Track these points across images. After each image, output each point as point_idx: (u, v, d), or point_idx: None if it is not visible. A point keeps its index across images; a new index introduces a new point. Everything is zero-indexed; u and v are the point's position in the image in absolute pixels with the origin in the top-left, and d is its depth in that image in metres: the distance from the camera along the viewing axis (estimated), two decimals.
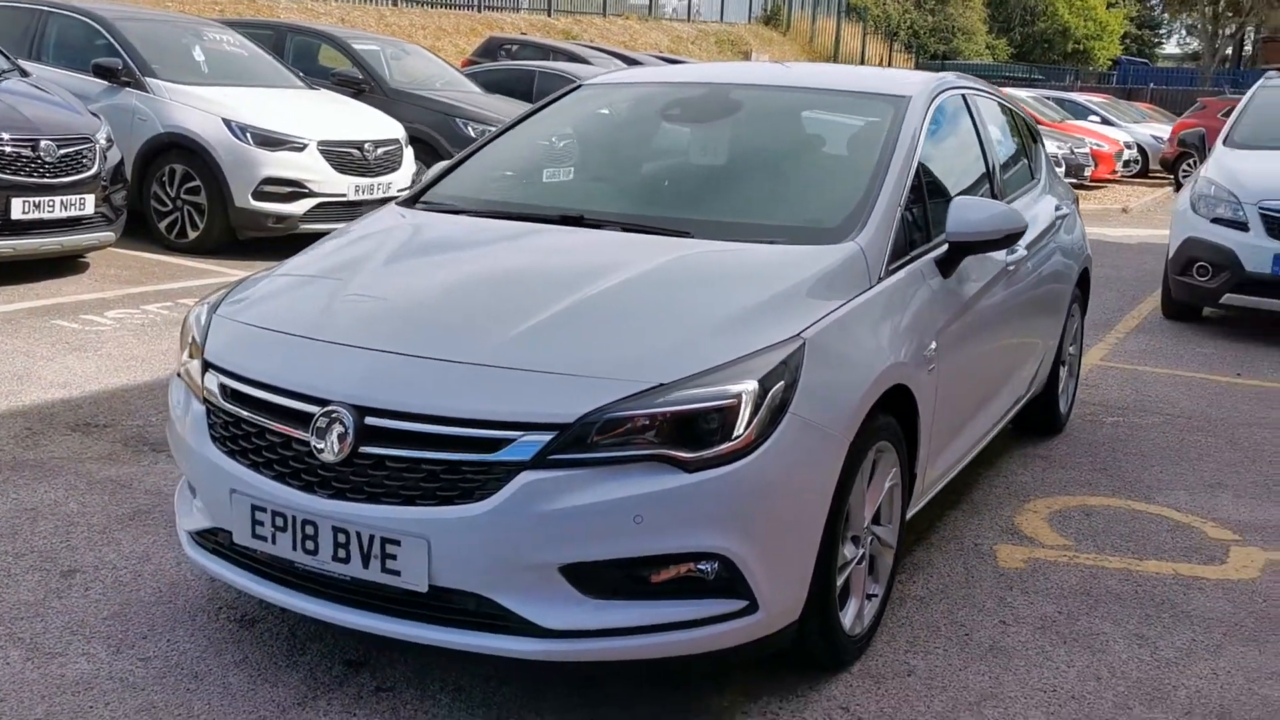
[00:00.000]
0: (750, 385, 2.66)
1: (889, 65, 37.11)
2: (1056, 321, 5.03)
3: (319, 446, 2.69)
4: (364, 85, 10.92)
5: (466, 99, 11.27)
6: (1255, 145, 8.59)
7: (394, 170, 9.36)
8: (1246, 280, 7.69)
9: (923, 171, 3.72)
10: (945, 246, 3.60)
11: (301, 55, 11.65)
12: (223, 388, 2.93)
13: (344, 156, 8.92)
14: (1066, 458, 5.12)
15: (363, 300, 3.10)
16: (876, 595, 3.27)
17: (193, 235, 8.72)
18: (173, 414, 3.17)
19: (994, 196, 4.30)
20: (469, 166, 4.12)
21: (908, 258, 3.45)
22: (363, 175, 9.04)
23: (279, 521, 2.76)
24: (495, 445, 2.58)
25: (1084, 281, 5.54)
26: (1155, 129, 24.59)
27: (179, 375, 3.22)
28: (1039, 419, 5.25)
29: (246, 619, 3.25)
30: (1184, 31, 69.07)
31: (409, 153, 9.65)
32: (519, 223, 3.58)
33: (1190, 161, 21.54)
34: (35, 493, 4.07)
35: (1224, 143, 8.73)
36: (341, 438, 2.67)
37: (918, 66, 38.69)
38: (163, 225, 8.81)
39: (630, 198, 3.84)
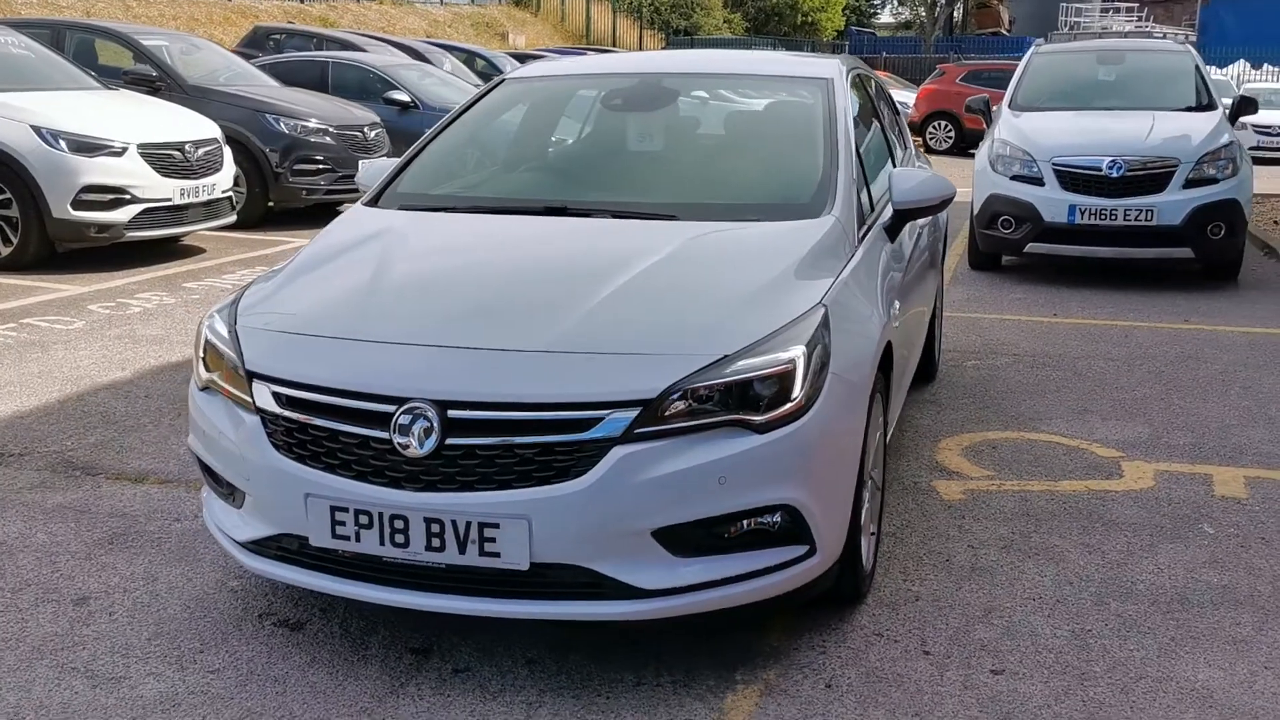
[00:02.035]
0: (800, 350, 2.94)
1: (640, 43, 37.88)
2: (937, 275, 5.53)
3: (403, 443, 2.79)
4: (159, 83, 10.49)
5: (272, 94, 11.01)
6: (1037, 107, 9.48)
7: (216, 171, 9.08)
8: (1046, 230, 8.52)
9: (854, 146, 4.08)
10: (891, 214, 3.97)
11: (80, 54, 11.04)
12: (277, 396, 2.97)
13: (166, 159, 8.60)
14: (950, 400, 5.64)
15: (403, 300, 3.19)
16: (874, 533, 3.61)
17: (5, 251, 8.23)
18: (208, 431, 3.16)
19: (893, 165, 4.72)
20: (421, 165, 4.20)
21: (866, 226, 3.80)
22: (186, 178, 8.74)
23: (363, 519, 2.84)
24: (585, 425, 2.76)
25: (945, 237, 6.09)
26: (899, 95, 26.21)
27: (203, 390, 3.22)
28: (921, 366, 5.74)
29: (292, 623, 3.29)
30: (896, 2, 73.22)
31: (228, 152, 9.38)
32: (512, 216, 3.72)
33: (936, 124, 23.24)
34: None
35: (1009, 106, 9.58)
36: (427, 432, 2.78)
37: (668, 43, 39.66)
38: None
39: (604, 187, 4.03)
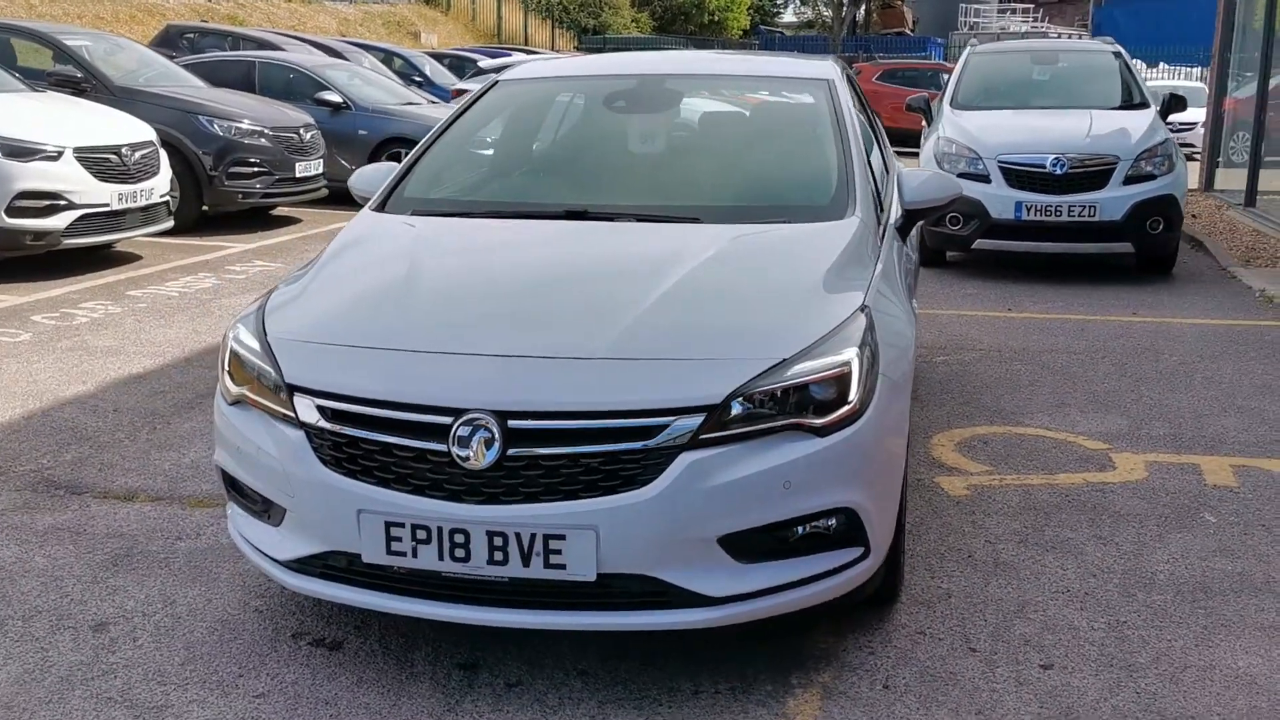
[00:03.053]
0: (854, 352, 2.93)
1: (552, 43, 37.74)
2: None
3: (462, 455, 2.73)
4: (84, 84, 10.13)
5: (203, 94, 10.71)
6: (978, 106, 9.66)
7: (154, 175, 8.80)
8: (994, 226, 8.68)
9: None
10: (901, 214, 4.00)
11: None
12: (323, 409, 2.87)
13: (103, 163, 8.30)
14: (929, 396, 5.71)
15: (447, 309, 3.12)
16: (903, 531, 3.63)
17: None
18: (242, 446, 3.04)
19: (885, 165, 4.76)
20: (425, 170, 4.11)
21: (882, 227, 3.82)
22: (124, 182, 8.45)
23: (420, 535, 2.77)
24: (650, 432, 2.72)
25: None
26: None
27: (233, 405, 3.11)
28: None
29: (328, 642, 3.20)
30: (799, 1, 73.90)
31: (164, 155, 9.09)
32: (537, 220, 3.66)
33: None
34: None
35: (950, 105, 9.74)
36: (488, 444, 2.72)
37: (579, 44, 39.56)
38: None
39: (621, 189, 3.97)
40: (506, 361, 2.85)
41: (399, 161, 10.29)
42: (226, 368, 3.18)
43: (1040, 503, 4.28)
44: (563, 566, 2.73)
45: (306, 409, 2.89)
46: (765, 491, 2.77)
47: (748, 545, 2.81)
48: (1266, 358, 6.48)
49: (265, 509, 3.06)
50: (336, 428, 2.85)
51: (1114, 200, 8.52)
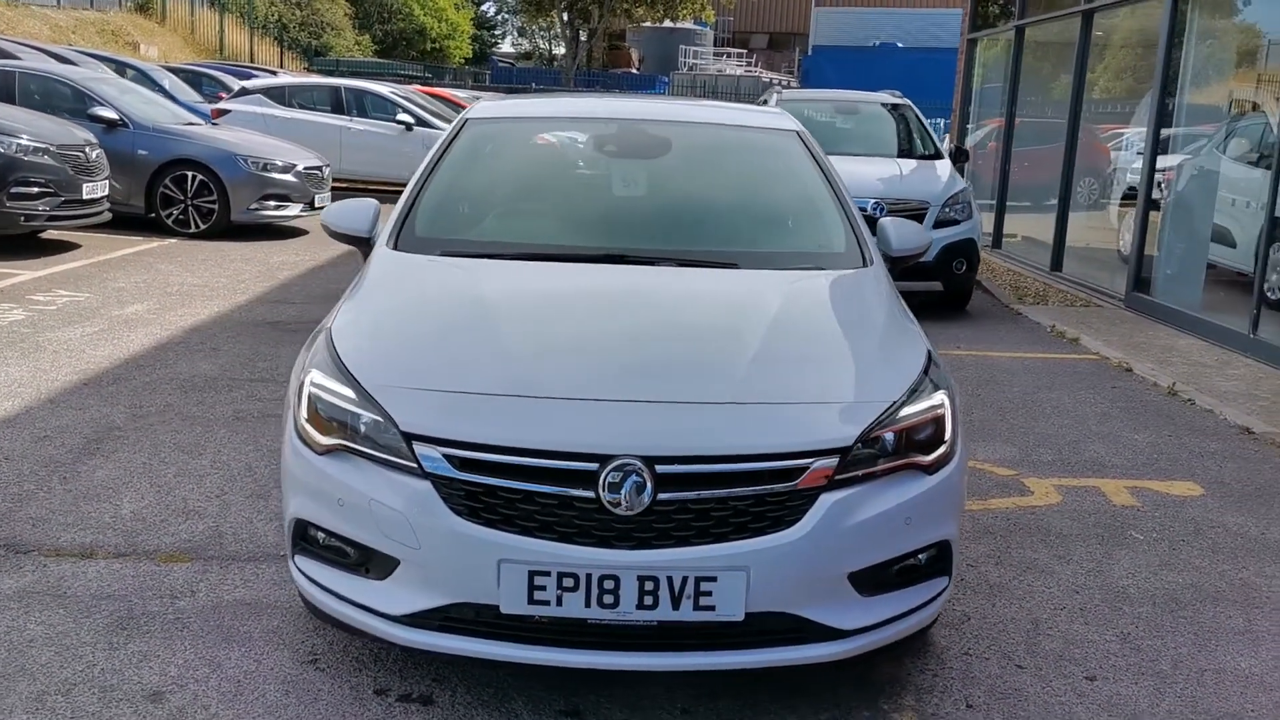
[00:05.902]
0: (943, 395, 3.15)
1: (281, 61, 36.41)
2: None
3: (613, 501, 2.73)
4: None
5: None
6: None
7: None
8: None
9: None
10: (888, 263, 4.26)
11: None
12: (451, 458, 2.79)
13: None
14: None
15: (555, 354, 3.09)
16: None
17: None
18: (345, 498, 2.89)
19: None
20: (427, 208, 4.01)
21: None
22: None
23: (567, 582, 2.74)
24: (793, 474, 2.82)
25: None
26: None
27: (325, 455, 2.95)
28: None
29: (416, 697, 3.09)
30: (517, 33, 74.53)
31: None
32: (585, 264, 3.66)
33: None
34: None
35: None
36: (639, 489, 2.74)
37: (310, 65, 38.39)
38: None
39: (644, 233, 4.00)
40: (646, 407, 2.87)
41: (185, 187, 10.29)
42: (306, 416, 3.02)
43: (990, 526, 4.64)
44: (712, 608, 2.78)
45: (432, 458, 2.80)
46: (891, 528, 2.93)
47: (870, 579, 2.95)
48: (1091, 388, 7.23)
49: (363, 562, 2.93)
50: (472, 477, 2.78)
51: None
